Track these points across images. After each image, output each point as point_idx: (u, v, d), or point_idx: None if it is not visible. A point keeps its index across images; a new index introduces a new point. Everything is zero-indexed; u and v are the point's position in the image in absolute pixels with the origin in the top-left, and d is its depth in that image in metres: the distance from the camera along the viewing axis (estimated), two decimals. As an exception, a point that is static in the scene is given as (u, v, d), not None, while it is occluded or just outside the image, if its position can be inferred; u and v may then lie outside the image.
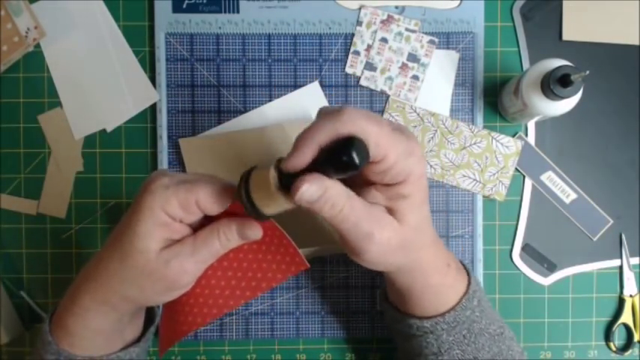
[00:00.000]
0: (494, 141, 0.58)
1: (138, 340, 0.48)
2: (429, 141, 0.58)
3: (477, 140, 0.58)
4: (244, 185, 0.38)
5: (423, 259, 0.44)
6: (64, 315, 0.44)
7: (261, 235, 0.42)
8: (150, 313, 0.51)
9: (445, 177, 0.58)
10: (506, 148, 0.58)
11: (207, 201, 0.39)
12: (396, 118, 0.58)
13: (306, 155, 0.36)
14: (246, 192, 0.38)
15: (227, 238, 0.41)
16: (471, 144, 0.58)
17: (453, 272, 0.46)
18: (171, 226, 0.40)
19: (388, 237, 0.39)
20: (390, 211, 0.40)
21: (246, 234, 0.41)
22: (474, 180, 0.58)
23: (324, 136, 0.36)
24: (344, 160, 0.35)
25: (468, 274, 0.48)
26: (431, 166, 0.58)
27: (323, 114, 0.38)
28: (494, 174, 0.58)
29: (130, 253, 0.40)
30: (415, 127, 0.58)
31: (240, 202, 0.39)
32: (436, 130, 0.58)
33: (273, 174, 0.37)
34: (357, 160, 0.35)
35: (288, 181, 0.37)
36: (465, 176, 0.58)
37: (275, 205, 0.38)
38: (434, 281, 0.45)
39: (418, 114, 0.58)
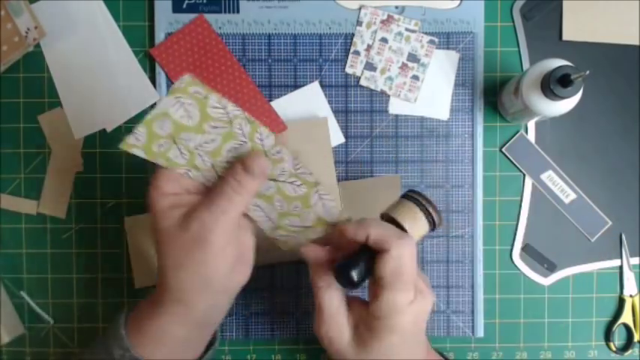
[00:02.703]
0: (316, 195, 0.46)
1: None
2: (229, 150, 0.44)
3: (296, 182, 0.46)
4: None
5: None
6: (142, 312, 0.44)
7: (267, 164, 0.43)
8: (214, 339, 0.50)
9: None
10: (328, 212, 0.47)
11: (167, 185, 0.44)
12: (186, 107, 0.43)
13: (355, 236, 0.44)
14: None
15: (236, 179, 0.42)
16: (285, 181, 0.45)
17: None
18: (178, 199, 0.43)
19: (331, 338, 0.44)
20: (356, 330, 0.44)
21: (251, 167, 0.42)
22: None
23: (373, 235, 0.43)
24: (344, 276, 0.42)
25: None
26: None
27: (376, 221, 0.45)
28: (296, 228, 0.48)
29: (161, 237, 0.42)
30: (216, 127, 0.44)
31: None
32: (245, 143, 0.44)
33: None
34: (354, 279, 0.42)
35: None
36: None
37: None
38: None
39: (227, 113, 0.43)
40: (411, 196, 0.46)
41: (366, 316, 0.43)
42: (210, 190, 0.43)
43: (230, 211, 0.41)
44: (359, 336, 0.43)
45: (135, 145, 0.43)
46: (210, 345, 0.48)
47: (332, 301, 0.44)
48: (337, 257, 0.45)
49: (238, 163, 0.43)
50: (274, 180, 0.45)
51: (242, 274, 0.45)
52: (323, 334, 0.44)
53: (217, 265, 0.42)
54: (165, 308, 0.43)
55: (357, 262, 0.42)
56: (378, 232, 0.42)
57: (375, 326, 0.42)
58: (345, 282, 0.42)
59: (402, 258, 0.41)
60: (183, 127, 0.43)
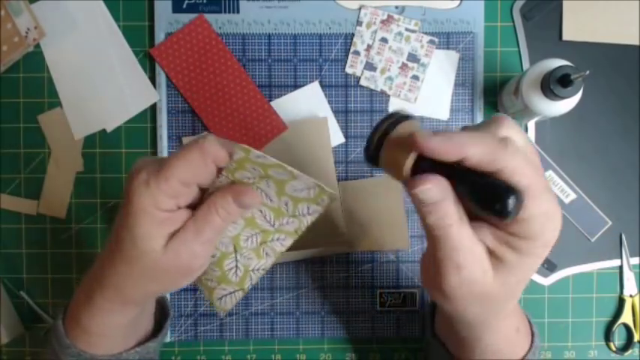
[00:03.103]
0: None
1: (154, 335, 0.48)
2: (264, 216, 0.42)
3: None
4: (381, 134, 0.36)
5: (496, 323, 0.40)
6: (78, 314, 0.43)
7: (259, 201, 0.41)
8: (163, 308, 0.51)
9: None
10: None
11: (192, 178, 0.38)
12: (227, 177, 0.40)
13: (448, 152, 0.33)
14: (379, 140, 0.36)
15: (226, 211, 0.39)
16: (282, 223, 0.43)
17: (520, 337, 0.43)
18: (171, 218, 0.38)
19: (475, 280, 0.35)
20: (494, 257, 0.36)
21: (243, 202, 0.39)
22: (307, 189, 0.42)
23: (479, 153, 0.33)
24: (496, 207, 0.32)
25: (532, 334, 0.45)
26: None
27: (487, 132, 0.34)
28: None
29: (137, 256, 0.39)
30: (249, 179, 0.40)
31: (369, 141, 0.37)
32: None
33: (414, 155, 0.35)
34: (508, 213, 0.32)
35: (421, 164, 0.35)
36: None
37: (392, 167, 0.36)
38: (498, 346, 0.42)
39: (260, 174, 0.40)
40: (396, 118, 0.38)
41: (504, 241, 0.35)
42: (197, 216, 0.39)
43: (215, 238, 0.41)
44: (500, 266, 0.36)
45: None
46: (164, 315, 0.50)
47: (469, 236, 0.35)
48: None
49: (229, 194, 0.39)
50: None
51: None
52: (462, 281, 0.35)
53: (187, 281, 0.42)
54: (107, 307, 0.42)
55: (512, 188, 0.32)
56: (479, 151, 0.33)
57: (524, 247, 0.35)
58: (506, 210, 0.32)
59: (527, 157, 0.34)
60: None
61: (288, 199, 0.42)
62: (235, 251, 0.44)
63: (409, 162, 0.35)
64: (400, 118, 0.37)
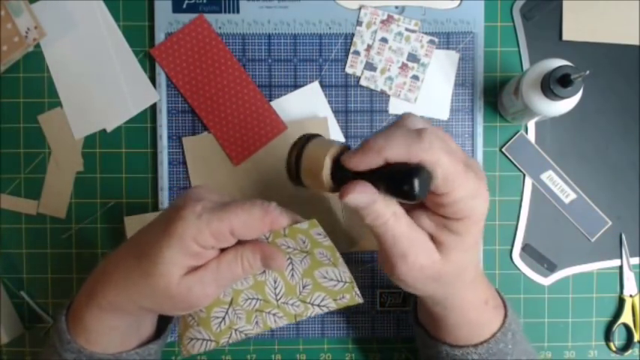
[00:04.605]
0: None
1: (155, 337, 0.48)
2: (292, 275, 0.43)
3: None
4: (296, 153, 0.39)
5: (459, 295, 0.43)
6: (80, 311, 0.43)
7: (282, 269, 0.41)
8: None
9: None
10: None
11: (242, 230, 0.38)
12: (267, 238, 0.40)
13: (371, 163, 0.36)
14: (296, 159, 0.39)
15: (251, 266, 0.40)
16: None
17: (490, 309, 0.45)
18: (201, 254, 0.38)
19: (422, 265, 0.38)
20: (435, 241, 0.39)
21: (270, 265, 0.40)
22: (337, 281, 0.43)
23: (396, 153, 0.35)
24: (404, 188, 0.35)
25: (505, 307, 0.46)
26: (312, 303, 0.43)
27: (402, 129, 0.37)
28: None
29: (152, 273, 0.39)
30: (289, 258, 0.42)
31: (286, 164, 0.39)
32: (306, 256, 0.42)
33: (328, 161, 0.38)
34: (416, 193, 0.34)
35: (340, 173, 0.38)
36: (324, 277, 0.43)
37: (316, 184, 0.39)
38: (469, 317, 0.44)
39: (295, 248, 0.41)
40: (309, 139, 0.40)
41: (441, 225, 0.38)
42: (221, 261, 0.39)
43: (230, 284, 0.42)
44: (443, 248, 0.39)
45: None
46: (167, 318, 0.50)
47: (407, 227, 0.38)
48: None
49: (259, 252, 0.40)
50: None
51: None
52: (410, 268, 0.38)
53: (185, 312, 0.42)
54: (107, 308, 0.42)
55: (417, 171, 0.35)
56: (396, 152, 0.36)
57: (459, 228, 0.38)
58: (418, 192, 0.34)
59: (443, 146, 0.36)
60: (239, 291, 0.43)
61: (310, 281, 0.42)
62: (230, 304, 0.43)
63: (325, 173, 0.38)
64: (308, 137, 0.40)
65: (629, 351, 0.59)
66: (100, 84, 0.58)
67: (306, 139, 0.40)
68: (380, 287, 0.58)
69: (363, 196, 0.36)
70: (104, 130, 0.58)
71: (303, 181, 0.40)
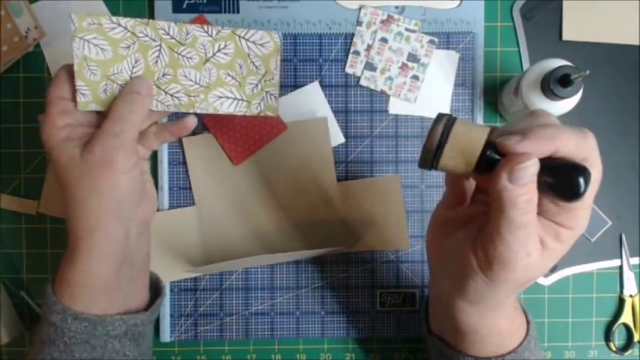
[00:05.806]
0: (243, 41, 0.47)
1: (144, 310, 0.48)
2: (156, 62, 0.46)
3: (221, 46, 0.47)
4: (443, 130, 0.36)
5: (506, 301, 0.41)
6: (64, 271, 0.44)
7: (150, 84, 0.46)
8: (157, 288, 0.51)
9: (196, 105, 0.47)
10: (262, 47, 0.48)
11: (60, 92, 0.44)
12: (93, 42, 0.44)
13: (540, 150, 0.34)
14: (441, 138, 0.36)
15: (127, 102, 0.44)
16: (214, 53, 0.47)
17: (518, 316, 0.44)
18: (74, 131, 0.44)
19: (533, 266, 0.36)
20: (541, 244, 0.37)
21: (137, 89, 0.45)
22: (234, 99, 0.48)
23: (569, 145, 0.34)
24: (574, 182, 0.33)
25: (525, 313, 0.45)
26: (172, 95, 0.47)
27: (561, 127, 0.35)
28: (256, 85, 0.48)
29: (62, 166, 0.43)
30: (128, 47, 0.45)
31: (428, 140, 0.36)
32: (159, 45, 0.46)
33: (484, 142, 0.36)
34: (582, 190, 0.33)
35: (487, 156, 0.35)
36: (221, 97, 0.48)
37: (461, 164, 0.36)
38: (501, 326, 0.42)
39: (125, 27, 0.45)
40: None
41: (552, 231, 0.37)
42: (105, 117, 0.44)
43: (130, 131, 0.43)
44: (543, 254, 0.37)
45: (88, 101, 0.45)
46: (155, 294, 0.50)
47: (537, 227, 0.36)
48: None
49: (126, 86, 0.45)
50: (206, 60, 0.47)
51: (148, 209, 0.48)
52: (525, 267, 0.36)
53: (127, 187, 0.43)
54: (83, 248, 0.43)
55: (586, 168, 0.33)
56: (570, 144, 0.34)
57: (568, 237, 0.37)
58: (584, 190, 0.33)
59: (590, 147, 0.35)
60: (106, 63, 0.45)
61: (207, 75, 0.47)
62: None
63: (477, 154, 0.36)
64: (450, 116, 0.37)
65: (629, 351, 0.59)
66: (100, 84, 0.58)
67: (452, 118, 0.37)
68: (380, 287, 0.58)
69: (535, 169, 0.34)
70: (104, 130, 0.58)
71: (440, 162, 0.36)
